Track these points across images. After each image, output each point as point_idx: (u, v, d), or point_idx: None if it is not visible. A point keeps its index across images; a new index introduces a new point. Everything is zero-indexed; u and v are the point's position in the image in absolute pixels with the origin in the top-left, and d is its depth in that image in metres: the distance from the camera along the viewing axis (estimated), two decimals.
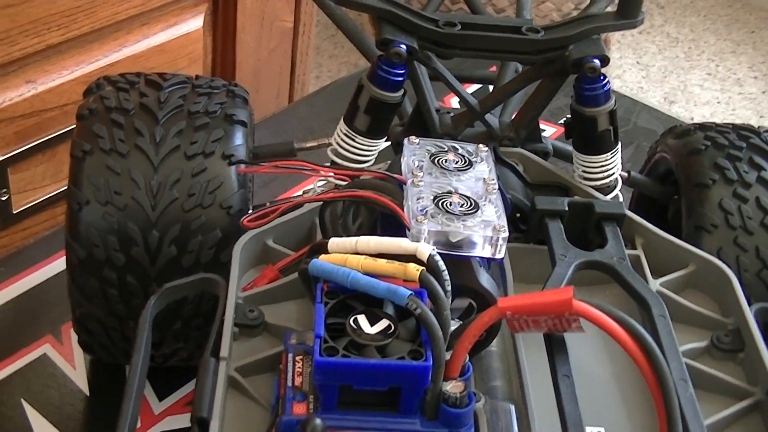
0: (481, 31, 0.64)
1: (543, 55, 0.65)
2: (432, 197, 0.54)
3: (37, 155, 1.02)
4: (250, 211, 0.61)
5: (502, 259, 0.54)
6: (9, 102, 0.98)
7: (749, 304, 0.61)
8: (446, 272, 0.51)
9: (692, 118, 2.01)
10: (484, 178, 0.57)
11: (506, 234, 0.53)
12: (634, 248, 0.64)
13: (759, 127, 0.73)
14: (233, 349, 0.56)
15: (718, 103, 2.07)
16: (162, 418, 0.70)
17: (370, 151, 0.66)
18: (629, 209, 0.79)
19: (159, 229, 0.63)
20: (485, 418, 0.53)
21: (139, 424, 0.69)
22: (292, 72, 1.28)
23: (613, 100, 0.66)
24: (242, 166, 0.61)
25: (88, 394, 0.71)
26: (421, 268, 0.50)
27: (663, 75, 2.13)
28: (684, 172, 0.70)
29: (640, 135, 1.03)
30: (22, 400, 0.70)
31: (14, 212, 1.02)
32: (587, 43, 0.64)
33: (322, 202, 0.57)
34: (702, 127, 0.73)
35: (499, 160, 0.66)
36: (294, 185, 0.88)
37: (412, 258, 0.51)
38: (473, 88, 1.00)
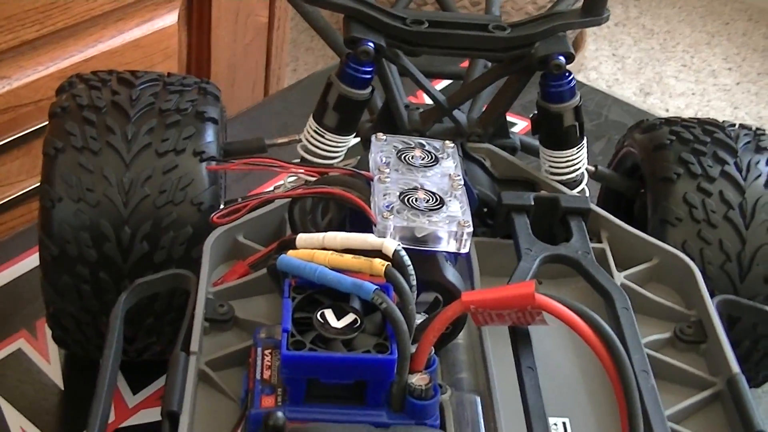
0: (448, 29, 0.65)
1: (509, 52, 0.66)
2: (398, 193, 0.55)
3: (13, 150, 1.02)
4: (221, 207, 0.61)
5: (468, 253, 0.55)
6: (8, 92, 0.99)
7: (712, 297, 0.62)
8: (411, 267, 0.51)
9: (667, 110, 2.02)
10: (450, 174, 0.58)
11: (471, 229, 0.54)
12: (600, 242, 0.65)
13: (723, 121, 0.74)
14: (204, 343, 0.57)
15: (693, 94, 2.08)
16: (136, 411, 0.71)
17: (339, 147, 0.67)
18: (597, 203, 0.81)
19: (131, 225, 0.63)
20: (451, 410, 0.54)
21: (113, 418, 0.70)
22: (267, 66, 1.29)
23: (578, 97, 0.67)
24: (212, 163, 0.62)
25: (62, 388, 0.72)
26: (387, 263, 0.51)
27: (638, 67, 2.15)
28: (649, 166, 0.71)
29: (612, 128, 1.04)
30: None
31: None
32: (553, 40, 0.65)
33: (290, 199, 0.58)
34: (668, 121, 0.74)
35: (466, 156, 0.67)
36: (266, 181, 0.89)
37: (378, 253, 0.52)
38: (445, 83, 1.01)
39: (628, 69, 2.15)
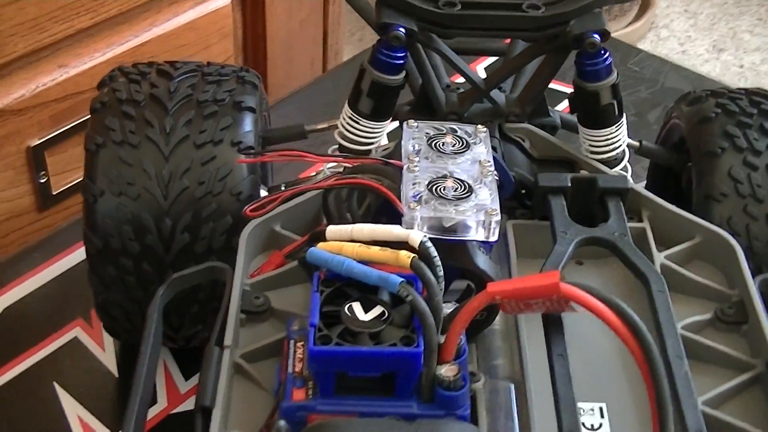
0: (480, 9, 0.64)
1: (544, 31, 0.65)
2: (426, 182, 0.55)
3: (73, 137, 1.04)
4: (261, 197, 0.62)
5: (497, 241, 0.55)
6: (42, 87, 1.00)
7: (757, 274, 0.61)
8: (437, 258, 0.51)
9: (741, 66, 1.97)
10: (480, 161, 0.57)
11: (498, 217, 0.54)
12: (641, 221, 0.64)
13: None
14: (240, 335, 0.58)
15: None
16: (188, 397, 0.72)
17: (376, 133, 0.67)
18: (646, 178, 0.79)
19: (171, 217, 0.64)
20: (484, 398, 0.54)
21: (165, 404, 0.72)
22: (325, 41, 1.29)
23: (615, 74, 0.65)
24: (246, 156, 0.62)
25: (117, 375, 0.74)
26: (413, 255, 0.51)
27: (711, 22, 2.10)
28: (694, 140, 0.70)
29: (668, 96, 1.02)
30: (54, 383, 0.73)
31: (54, 193, 1.05)
32: (588, 17, 0.64)
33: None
34: (714, 93, 0.72)
35: (504, 137, 0.67)
36: (312, 165, 0.89)
37: (405, 245, 0.52)
38: (492, 59, 1.00)
39: (701, 25, 2.10)
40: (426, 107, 0.69)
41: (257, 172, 0.67)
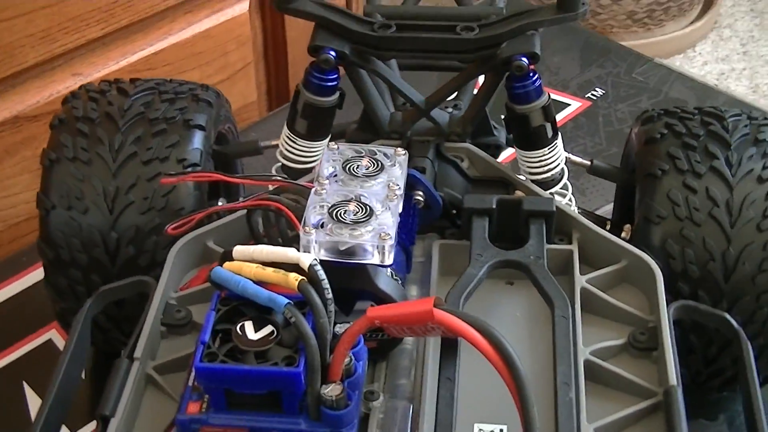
0: (414, 32, 0.65)
1: (477, 53, 0.65)
2: (329, 206, 0.57)
3: None
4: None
5: (391, 265, 0.56)
6: (57, 94, 1.05)
7: (695, 299, 0.62)
8: (326, 281, 0.53)
9: None
10: (389, 184, 0.59)
11: (392, 242, 0.55)
12: (570, 243, 0.65)
13: (725, 111, 0.71)
14: (161, 347, 0.60)
15: None
16: None
17: (313, 151, 0.69)
18: (614, 197, 0.79)
19: (117, 231, 0.67)
20: (377, 417, 0.56)
21: None
22: None
23: (546, 96, 0.66)
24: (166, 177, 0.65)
25: (83, 378, 0.77)
26: (302, 277, 0.53)
27: None
28: (640, 160, 0.70)
29: (669, 106, 1.01)
30: (24, 383, 0.77)
31: None
32: (520, 40, 0.65)
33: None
34: (667, 112, 0.72)
35: (441, 157, 0.68)
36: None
37: (298, 267, 0.54)
38: None
39: (766, 25, 2.05)
40: (371, 127, 0.70)
41: (203, 189, 0.69)
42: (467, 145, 0.69)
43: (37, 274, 0.86)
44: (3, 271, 0.86)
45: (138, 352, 0.57)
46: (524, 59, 0.64)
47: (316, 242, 0.55)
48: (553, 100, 0.94)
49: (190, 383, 0.55)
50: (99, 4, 1.04)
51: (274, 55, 1.25)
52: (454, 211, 0.66)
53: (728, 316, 0.60)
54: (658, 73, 1.07)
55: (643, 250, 0.64)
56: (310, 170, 0.69)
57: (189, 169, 0.68)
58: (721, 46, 2.02)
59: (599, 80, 1.07)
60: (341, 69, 0.67)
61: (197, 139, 0.69)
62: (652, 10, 1.93)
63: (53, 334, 0.81)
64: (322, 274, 0.53)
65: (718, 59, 2.00)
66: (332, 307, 0.54)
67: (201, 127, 0.70)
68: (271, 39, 1.23)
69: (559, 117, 1.02)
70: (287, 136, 0.68)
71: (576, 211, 0.69)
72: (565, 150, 0.70)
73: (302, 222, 0.56)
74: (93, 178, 0.68)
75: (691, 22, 2.03)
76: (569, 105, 1.02)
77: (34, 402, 0.75)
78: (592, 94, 1.05)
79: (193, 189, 0.68)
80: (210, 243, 0.65)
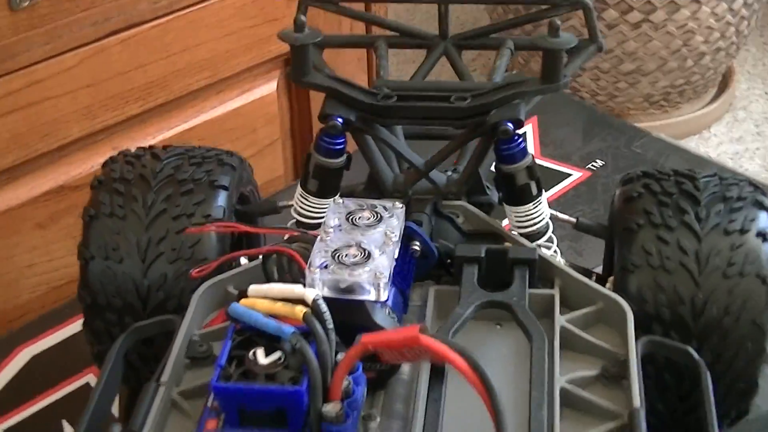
0: (413, 101, 0.74)
1: (468, 120, 0.74)
2: (332, 250, 0.65)
3: None
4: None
5: (386, 301, 0.64)
6: (98, 166, 1.13)
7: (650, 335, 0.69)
8: (327, 313, 0.61)
9: None
10: (386, 232, 0.66)
11: (386, 280, 0.63)
12: (552, 287, 0.72)
13: (698, 172, 0.79)
14: (186, 377, 0.68)
15: None
16: None
17: (323, 208, 0.77)
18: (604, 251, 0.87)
19: (149, 278, 0.76)
20: (374, 428, 0.63)
21: None
22: None
23: (530, 157, 0.74)
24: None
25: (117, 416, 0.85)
26: (306, 309, 0.61)
27: None
28: (619, 217, 0.77)
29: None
30: (63, 421, 0.85)
31: None
32: (507, 108, 0.73)
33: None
34: (645, 174, 0.80)
35: (438, 213, 0.76)
36: None
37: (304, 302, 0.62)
38: None
39: None
40: (376, 186, 0.78)
41: (225, 242, 0.78)
42: (462, 203, 0.77)
43: (75, 326, 0.94)
44: (46, 323, 0.95)
45: (164, 378, 0.65)
46: (509, 125, 0.72)
47: (319, 280, 0.63)
48: (555, 170, 1.02)
49: (209, 404, 0.62)
50: (137, 83, 1.13)
51: (300, 131, 1.34)
52: (449, 261, 0.74)
53: (690, 349, 0.67)
54: (655, 146, 1.15)
55: (622, 296, 0.71)
56: (320, 225, 0.77)
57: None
58: (735, 127, 2.10)
59: (600, 152, 1.15)
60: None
61: (221, 198, 0.78)
62: (667, 92, 2.01)
63: (90, 378, 0.88)
64: (324, 306, 0.61)
65: (732, 140, 2.08)
66: (333, 336, 0.61)
67: (225, 188, 0.78)
68: (297, 117, 1.33)
69: (561, 186, 1.09)
70: (300, 195, 0.77)
71: (561, 262, 0.76)
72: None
73: (308, 263, 0.64)
74: (128, 232, 0.76)
75: (707, 104, 2.11)
76: (571, 175, 1.10)
77: None
78: (593, 165, 1.13)
79: (216, 241, 0.76)
80: (230, 288, 0.73)
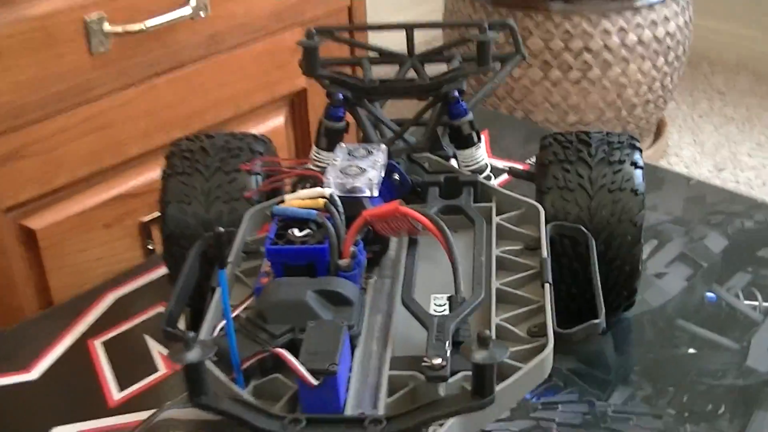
0: (391, 83, 1.08)
1: (430, 92, 1.08)
2: (340, 168, 0.98)
3: None
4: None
5: (378, 197, 0.96)
6: (151, 179, 1.46)
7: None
8: (339, 203, 0.93)
9: (737, 182, 2.33)
10: (375, 159, 1.00)
11: (376, 182, 0.95)
12: (490, 202, 1.05)
13: (591, 134, 1.13)
14: (243, 264, 1.00)
15: (764, 167, 2.39)
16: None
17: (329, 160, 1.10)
18: None
19: (210, 214, 1.08)
20: (372, 287, 0.95)
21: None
22: None
23: (471, 114, 1.08)
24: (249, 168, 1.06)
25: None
26: (326, 200, 0.93)
27: (715, 148, 2.48)
28: (538, 160, 1.11)
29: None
30: (146, 336, 1.15)
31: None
32: (455, 83, 1.07)
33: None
34: (556, 134, 1.13)
35: (411, 160, 1.09)
36: None
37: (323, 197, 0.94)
38: None
39: (706, 151, 2.48)
40: None
41: (257, 183, 1.10)
42: (428, 154, 1.11)
43: (142, 280, 1.26)
44: (123, 277, 1.26)
45: (231, 258, 0.97)
46: (456, 92, 1.06)
47: (333, 183, 0.96)
48: (503, 166, 1.34)
49: (262, 270, 0.94)
50: (181, 113, 1.46)
51: (304, 155, 1.67)
52: (419, 189, 1.07)
53: (581, 227, 1.00)
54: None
55: None
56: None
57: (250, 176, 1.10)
58: None
59: (535, 151, 1.48)
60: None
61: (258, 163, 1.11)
62: None
63: (161, 308, 1.20)
64: (336, 198, 0.93)
65: None
66: (343, 217, 0.93)
67: (260, 153, 1.11)
68: (301, 146, 1.66)
69: (506, 176, 1.43)
70: (315, 151, 1.10)
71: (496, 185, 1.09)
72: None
73: (324, 175, 0.97)
74: (194, 183, 1.09)
75: (644, 150, 2.46)
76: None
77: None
78: (530, 161, 1.46)
79: (255, 185, 1.09)
80: (268, 212, 1.05)
